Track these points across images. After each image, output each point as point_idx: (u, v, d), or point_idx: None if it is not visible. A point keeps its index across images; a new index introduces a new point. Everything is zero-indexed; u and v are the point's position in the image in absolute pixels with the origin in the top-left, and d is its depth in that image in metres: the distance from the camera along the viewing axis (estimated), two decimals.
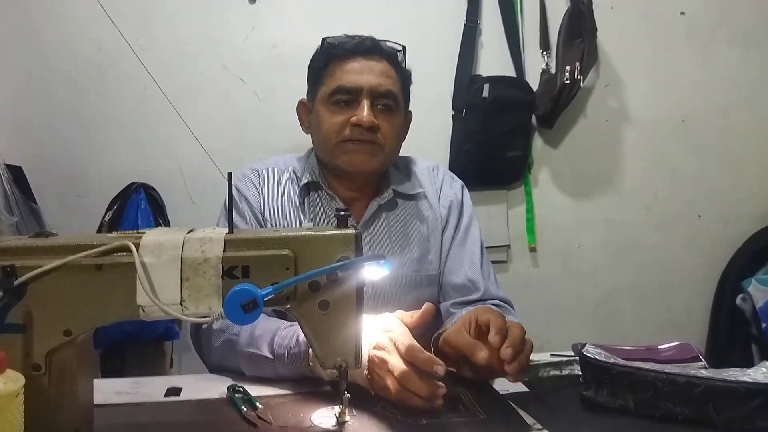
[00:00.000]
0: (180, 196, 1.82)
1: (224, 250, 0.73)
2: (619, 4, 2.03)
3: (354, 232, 0.77)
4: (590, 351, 0.87)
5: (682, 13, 2.09)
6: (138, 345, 1.77)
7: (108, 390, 0.95)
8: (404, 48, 1.23)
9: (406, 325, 0.91)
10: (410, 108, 1.29)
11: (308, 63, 1.25)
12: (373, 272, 0.79)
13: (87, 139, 1.78)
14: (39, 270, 0.69)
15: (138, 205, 1.74)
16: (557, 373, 0.95)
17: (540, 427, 0.82)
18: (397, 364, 0.85)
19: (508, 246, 2.06)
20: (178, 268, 0.72)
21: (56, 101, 1.76)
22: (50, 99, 1.76)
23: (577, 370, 0.94)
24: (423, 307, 0.91)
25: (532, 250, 2.08)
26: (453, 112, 1.93)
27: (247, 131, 1.85)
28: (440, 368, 0.83)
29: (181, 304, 0.72)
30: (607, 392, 0.83)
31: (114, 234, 0.75)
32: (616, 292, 2.13)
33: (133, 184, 1.77)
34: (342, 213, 0.81)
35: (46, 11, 1.75)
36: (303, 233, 0.76)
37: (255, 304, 0.70)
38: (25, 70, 1.74)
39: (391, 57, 1.20)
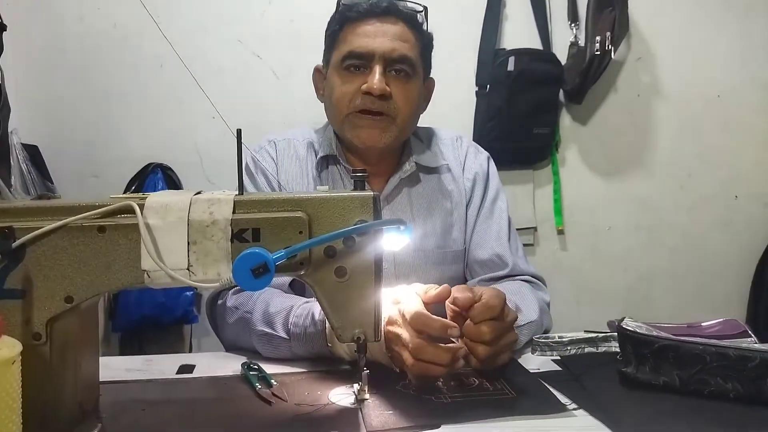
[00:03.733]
0: (197, 176, 1.79)
1: (233, 212, 0.68)
2: None
3: (372, 194, 0.72)
4: (629, 324, 0.80)
5: None
6: (157, 329, 1.75)
7: (118, 367, 0.92)
8: (425, 8, 1.15)
9: (423, 300, 0.85)
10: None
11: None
12: (393, 241, 0.74)
13: (103, 118, 1.75)
14: (38, 231, 0.65)
15: (155, 186, 1.71)
16: (592, 350, 0.88)
17: (575, 406, 0.76)
18: (408, 337, 0.79)
19: (535, 228, 1.98)
20: (184, 230, 0.67)
21: (72, 79, 1.74)
22: (66, 77, 1.73)
23: (614, 347, 0.87)
24: (440, 288, 0.84)
25: (560, 232, 2.00)
26: (476, 88, 1.86)
27: (265, 109, 1.80)
28: (455, 330, 0.78)
29: (188, 269, 0.67)
30: (649, 368, 0.76)
31: (118, 195, 0.71)
32: (649, 276, 2.04)
33: (150, 164, 1.74)
34: (359, 174, 0.75)
35: None
36: (318, 195, 0.71)
37: (266, 269, 0.65)
38: (40, 47, 1.72)
39: (409, 18, 1.12)
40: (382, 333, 0.83)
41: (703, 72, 2.01)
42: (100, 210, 0.67)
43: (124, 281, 0.67)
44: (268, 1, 1.79)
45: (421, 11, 1.15)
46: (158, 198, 0.69)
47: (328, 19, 1.18)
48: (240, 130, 0.72)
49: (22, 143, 1.60)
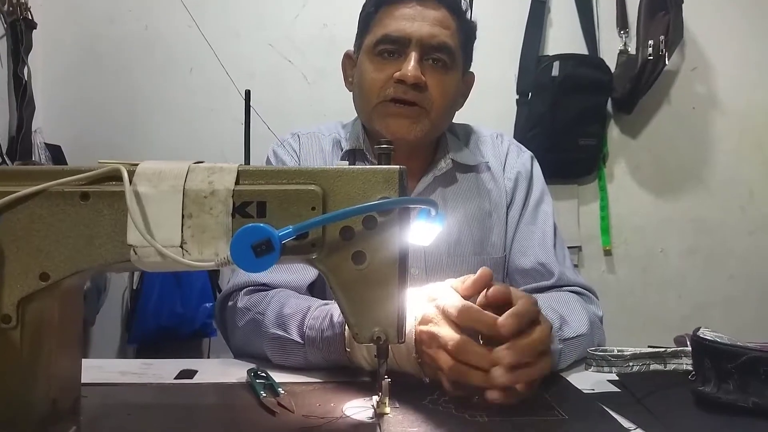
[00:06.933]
0: None
1: (237, 183, 0.59)
2: None
3: (399, 167, 0.62)
4: (707, 334, 0.66)
5: None
6: (174, 341, 1.67)
7: (113, 369, 0.83)
8: None
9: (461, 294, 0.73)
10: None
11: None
12: (422, 232, 0.63)
13: (129, 120, 1.73)
14: (12, 196, 0.57)
15: None
16: (659, 367, 0.74)
17: (642, 431, 0.62)
18: (448, 334, 0.67)
19: (579, 248, 1.84)
20: (179, 201, 0.58)
21: (100, 80, 1.72)
22: (94, 78, 1.72)
23: (686, 364, 0.73)
24: (478, 272, 0.72)
25: (607, 253, 1.86)
26: (517, 96, 1.76)
27: (295, 114, 1.73)
28: (507, 326, 0.65)
29: (181, 246, 0.58)
30: (734, 387, 0.62)
31: (108, 160, 0.62)
32: (706, 304, 1.87)
33: None
34: (384, 147, 0.65)
35: None
36: (335, 168, 0.61)
37: (269, 247, 0.55)
38: (70, 47, 1.71)
39: (452, 4, 1.03)
40: (414, 334, 0.72)
41: (764, 84, 1.86)
42: (84, 175, 0.59)
43: (108, 257, 0.58)
44: (301, 6, 1.75)
45: None
46: (152, 164, 0.60)
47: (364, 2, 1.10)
48: (249, 91, 0.64)
49: (45, 143, 1.57)
